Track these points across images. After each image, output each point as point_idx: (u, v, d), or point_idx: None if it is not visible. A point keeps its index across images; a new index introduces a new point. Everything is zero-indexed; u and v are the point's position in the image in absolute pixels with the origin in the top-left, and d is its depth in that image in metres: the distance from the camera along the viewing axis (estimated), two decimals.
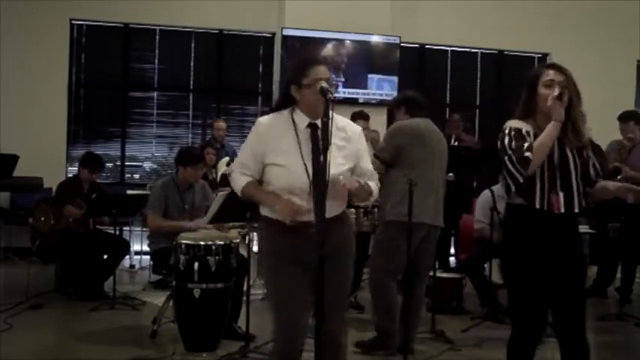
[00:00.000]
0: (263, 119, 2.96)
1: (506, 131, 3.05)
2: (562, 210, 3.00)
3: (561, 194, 3.01)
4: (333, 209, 2.81)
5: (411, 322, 4.43)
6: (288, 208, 2.77)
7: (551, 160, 3.01)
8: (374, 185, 2.99)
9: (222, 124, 7.97)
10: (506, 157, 2.99)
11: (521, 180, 2.97)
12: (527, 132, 3.02)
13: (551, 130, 2.95)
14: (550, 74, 3.02)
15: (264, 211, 2.97)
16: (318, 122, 2.81)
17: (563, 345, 3.10)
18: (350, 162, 2.92)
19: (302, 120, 2.88)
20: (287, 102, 2.93)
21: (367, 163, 3.03)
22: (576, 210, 3.03)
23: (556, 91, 2.94)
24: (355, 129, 3.02)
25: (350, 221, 3.15)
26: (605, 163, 3.14)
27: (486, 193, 5.68)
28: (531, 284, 3.05)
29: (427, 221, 4.37)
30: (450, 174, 6.76)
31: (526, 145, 2.95)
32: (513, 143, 2.99)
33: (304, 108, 2.88)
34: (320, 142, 2.73)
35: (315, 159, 2.80)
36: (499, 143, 3.08)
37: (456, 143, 7.31)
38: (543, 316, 3.13)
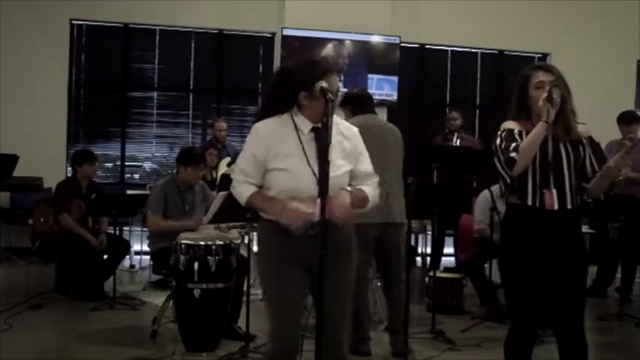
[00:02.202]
0: (262, 124, 2.86)
1: (499, 132, 3.11)
2: (555, 207, 3.02)
3: (554, 191, 3.03)
4: None
5: (394, 323, 4.43)
6: (297, 216, 2.71)
7: (545, 157, 3.04)
8: (370, 190, 2.92)
9: (223, 124, 7.96)
10: (495, 158, 3.07)
11: (508, 180, 3.05)
12: (520, 132, 3.07)
13: (538, 130, 2.98)
14: (540, 76, 3.05)
15: (263, 214, 2.93)
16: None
17: (562, 344, 3.11)
18: (349, 164, 2.89)
19: (305, 124, 2.82)
20: (287, 104, 2.85)
21: (364, 165, 2.96)
22: (569, 206, 3.03)
23: (545, 93, 2.97)
24: (354, 131, 2.99)
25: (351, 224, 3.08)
26: (602, 160, 3.12)
27: (485, 193, 5.68)
28: (526, 282, 3.08)
29: (375, 220, 4.22)
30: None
31: (513, 145, 3.00)
32: (503, 144, 3.04)
33: (310, 114, 2.81)
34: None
35: (321, 162, 2.71)
36: (493, 145, 3.14)
37: (459, 142, 7.30)
38: (539, 314, 3.15)
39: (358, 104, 4.58)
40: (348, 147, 2.89)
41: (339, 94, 2.75)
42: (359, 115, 4.49)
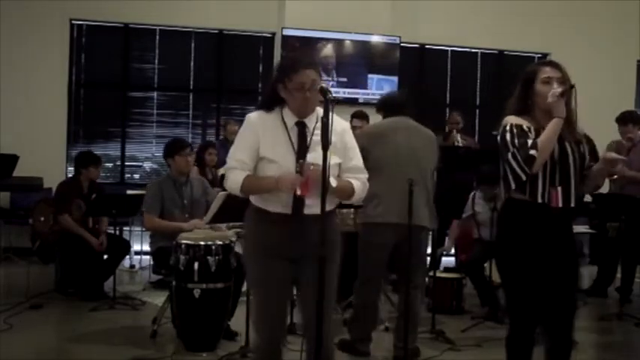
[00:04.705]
0: (254, 115, 2.97)
1: (507, 127, 3.07)
2: (560, 204, 3.04)
3: (559, 189, 3.05)
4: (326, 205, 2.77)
5: (399, 325, 4.37)
6: (292, 180, 2.77)
7: (552, 155, 3.03)
8: (358, 184, 3.00)
9: (236, 127, 7.93)
10: (509, 155, 3.01)
11: (524, 178, 3.00)
12: (529, 128, 3.05)
13: (554, 126, 2.98)
14: (547, 71, 3.06)
15: (256, 202, 2.98)
16: (306, 121, 2.90)
17: (549, 340, 3.14)
18: (338, 157, 2.94)
19: (290, 118, 2.92)
20: (276, 100, 2.94)
21: (354, 161, 3.03)
22: (572, 205, 3.07)
23: (559, 89, 2.98)
24: (343, 124, 3.03)
25: (337, 219, 3.15)
26: (596, 159, 3.19)
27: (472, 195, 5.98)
28: (528, 279, 3.07)
29: (393, 220, 4.22)
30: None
31: (530, 142, 2.98)
32: (517, 140, 3.01)
33: (291, 107, 2.91)
34: (309, 140, 2.87)
35: (301, 156, 2.85)
36: (499, 139, 3.10)
37: (461, 143, 7.31)
38: (538, 311, 3.14)
39: (388, 108, 4.62)
40: (336, 141, 2.90)
41: (325, 87, 2.75)
42: (390, 117, 4.53)
